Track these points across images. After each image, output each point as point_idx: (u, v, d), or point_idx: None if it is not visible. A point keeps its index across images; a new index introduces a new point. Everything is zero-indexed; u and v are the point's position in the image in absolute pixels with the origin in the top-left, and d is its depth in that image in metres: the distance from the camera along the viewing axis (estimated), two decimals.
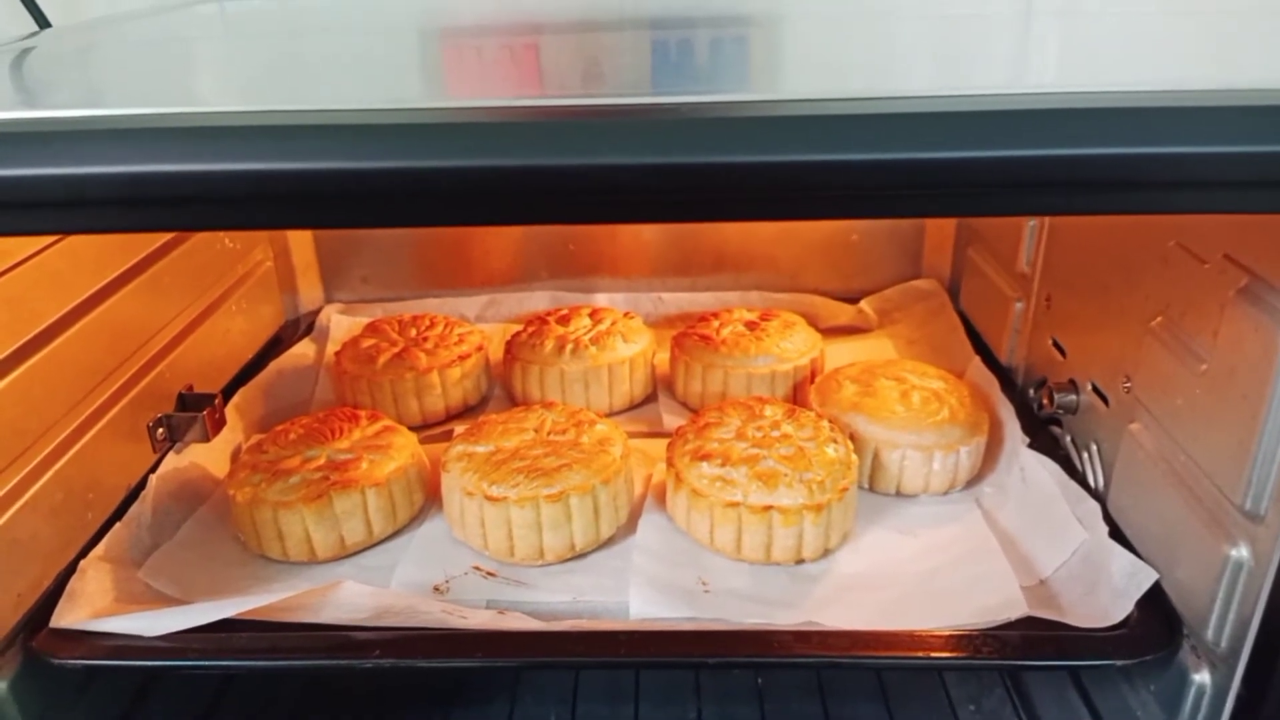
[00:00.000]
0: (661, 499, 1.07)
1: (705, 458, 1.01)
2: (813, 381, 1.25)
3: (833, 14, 1.02)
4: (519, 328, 1.36)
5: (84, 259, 1.01)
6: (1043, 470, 1.04)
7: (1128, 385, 0.96)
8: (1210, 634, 0.80)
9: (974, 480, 1.11)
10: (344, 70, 0.83)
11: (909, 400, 1.11)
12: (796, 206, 0.63)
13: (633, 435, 1.16)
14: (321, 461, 1.03)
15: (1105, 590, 0.88)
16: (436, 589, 0.97)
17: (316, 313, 1.58)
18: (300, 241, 1.58)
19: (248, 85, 0.81)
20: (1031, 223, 1.23)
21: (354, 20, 1.13)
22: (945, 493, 1.10)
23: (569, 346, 1.28)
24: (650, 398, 1.35)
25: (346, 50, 0.94)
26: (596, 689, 1.11)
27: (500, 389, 1.37)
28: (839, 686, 1.10)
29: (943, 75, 0.75)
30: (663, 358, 1.37)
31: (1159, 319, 0.89)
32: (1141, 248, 0.93)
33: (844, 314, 1.55)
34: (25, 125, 0.58)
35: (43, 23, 1.11)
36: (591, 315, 1.36)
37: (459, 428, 1.23)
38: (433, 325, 1.36)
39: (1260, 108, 0.55)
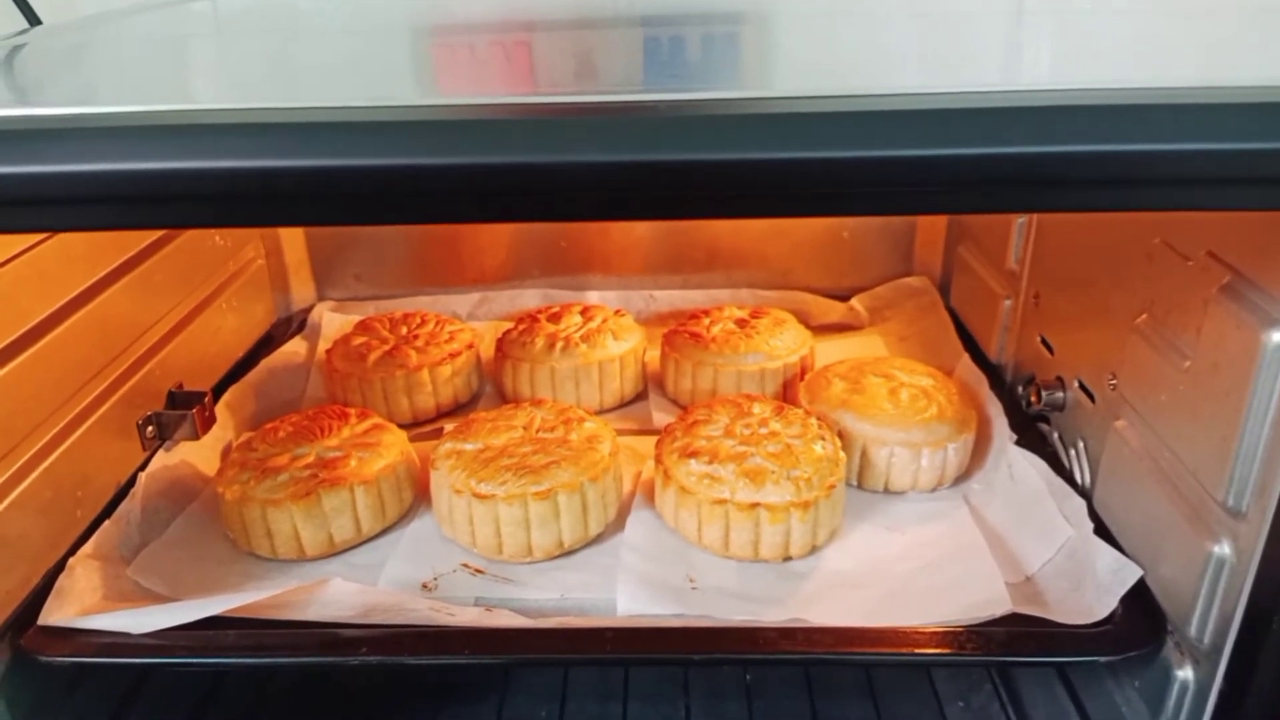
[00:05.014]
0: (650, 496, 1.07)
1: (693, 455, 1.01)
2: (803, 379, 1.25)
3: (824, 12, 1.02)
4: (510, 325, 1.36)
5: (74, 256, 1.01)
6: (1030, 467, 1.04)
7: (1113, 382, 0.96)
8: (1193, 630, 0.80)
9: (962, 477, 1.12)
10: (335, 68, 0.83)
11: (897, 397, 1.12)
12: (785, 204, 0.63)
13: (623, 433, 1.16)
14: (310, 459, 1.03)
15: (1090, 587, 0.88)
16: (425, 586, 0.97)
17: (309, 310, 1.58)
18: (292, 239, 1.58)
19: (239, 83, 0.81)
20: (1020, 220, 1.24)
21: (346, 17, 1.13)
22: (933, 490, 1.10)
23: (559, 344, 1.28)
24: (641, 395, 1.35)
25: (338, 47, 0.94)
26: (586, 686, 1.12)
27: (491, 387, 1.37)
28: (827, 683, 1.10)
29: (932, 73, 0.75)
30: (653, 355, 1.37)
31: (1144, 316, 0.90)
32: (1127, 245, 0.94)
33: (835, 311, 1.55)
34: (14, 123, 0.58)
35: (33, 20, 1.11)
36: (582, 313, 1.37)
37: (449, 425, 1.23)
38: (423, 323, 1.36)
39: (1244, 105, 0.55)
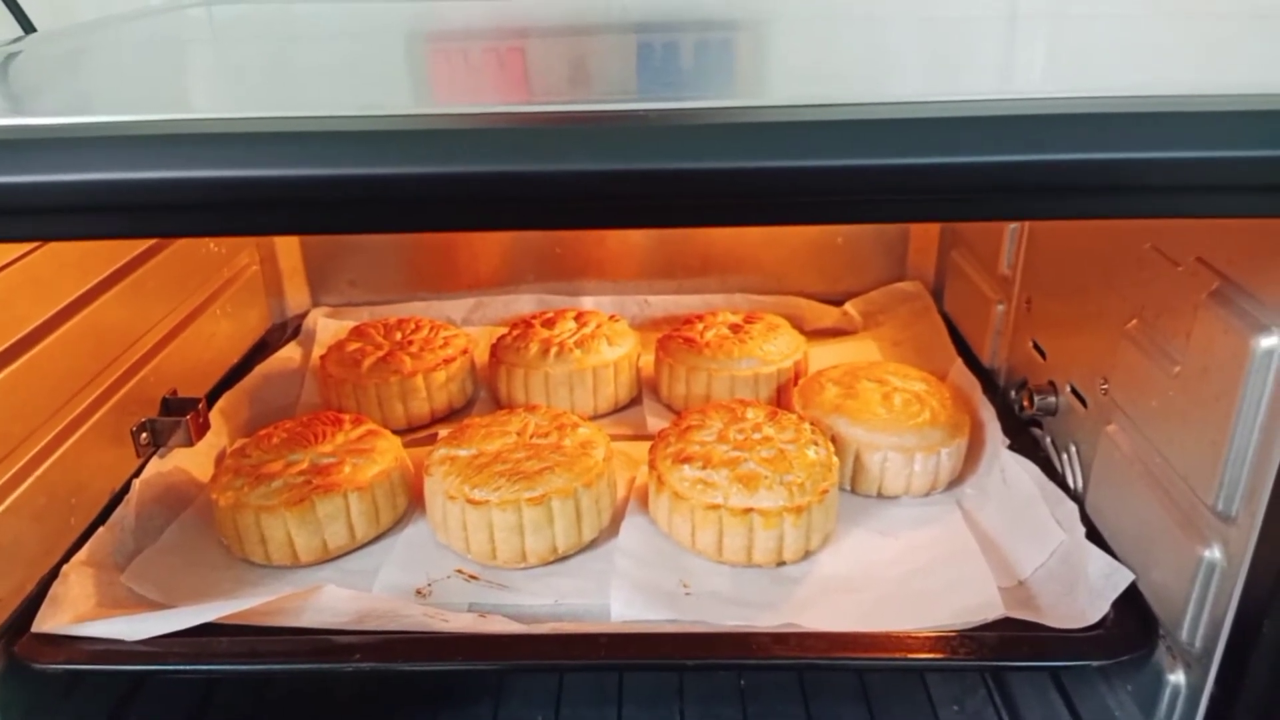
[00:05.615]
0: (644, 502, 1.07)
1: (687, 460, 1.01)
2: (796, 384, 1.25)
3: (818, 16, 1.03)
4: (504, 331, 1.36)
5: (68, 263, 1.01)
6: (1023, 472, 1.05)
7: (1105, 387, 0.96)
8: (1185, 634, 0.81)
9: (955, 482, 1.12)
10: (330, 75, 0.84)
11: (890, 402, 1.12)
12: (777, 213, 0.63)
13: (617, 438, 1.16)
14: (304, 465, 1.03)
15: (1083, 591, 0.89)
16: (419, 592, 0.97)
17: (303, 316, 1.58)
18: (287, 245, 1.58)
19: (234, 90, 0.82)
20: (1012, 226, 1.24)
21: (340, 24, 1.13)
22: (926, 494, 1.10)
23: (554, 349, 1.28)
24: (635, 400, 1.35)
25: (333, 54, 0.94)
26: (581, 691, 1.12)
27: (486, 392, 1.37)
28: (821, 687, 1.10)
29: (925, 80, 0.76)
30: (648, 360, 1.37)
31: (1134, 321, 0.90)
32: (1117, 251, 0.94)
33: (829, 316, 1.56)
34: (8, 132, 0.58)
35: (28, 27, 1.11)
36: (576, 318, 1.37)
37: (444, 431, 1.23)
38: (418, 329, 1.36)
39: (1235, 113, 0.56)
